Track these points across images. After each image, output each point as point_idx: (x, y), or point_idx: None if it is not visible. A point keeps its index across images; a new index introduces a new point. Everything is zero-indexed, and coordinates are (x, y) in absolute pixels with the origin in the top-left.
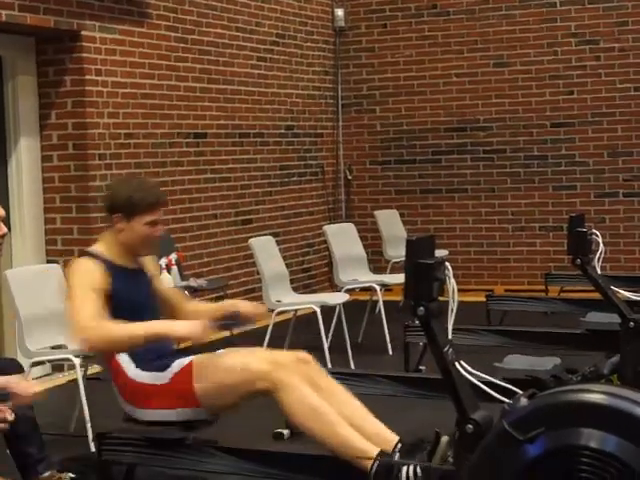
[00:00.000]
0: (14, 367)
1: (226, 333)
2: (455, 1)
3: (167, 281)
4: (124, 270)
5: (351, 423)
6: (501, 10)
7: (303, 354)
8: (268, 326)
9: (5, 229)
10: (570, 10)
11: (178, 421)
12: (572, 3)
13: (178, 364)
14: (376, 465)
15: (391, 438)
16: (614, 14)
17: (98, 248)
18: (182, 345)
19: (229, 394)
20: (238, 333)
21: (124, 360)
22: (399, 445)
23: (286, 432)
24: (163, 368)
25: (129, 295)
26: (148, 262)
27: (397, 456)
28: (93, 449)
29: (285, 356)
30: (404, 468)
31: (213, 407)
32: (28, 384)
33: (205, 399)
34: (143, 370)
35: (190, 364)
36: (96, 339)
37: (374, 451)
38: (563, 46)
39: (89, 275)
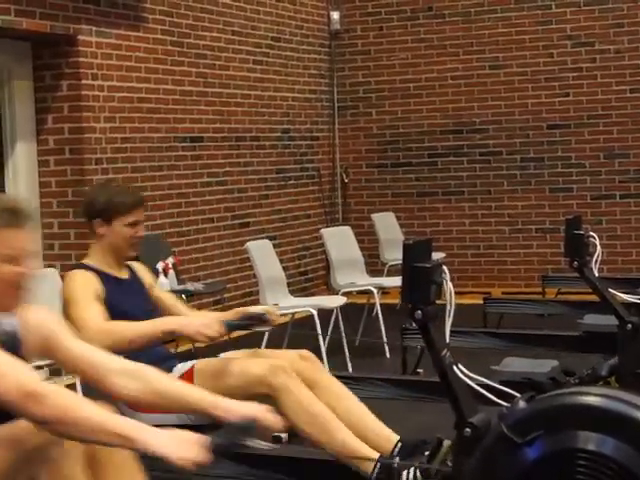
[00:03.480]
0: None
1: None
2: (450, 3)
3: (164, 285)
4: (116, 280)
5: (350, 421)
6: (496, 12)
7: (305, 352)
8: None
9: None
10: (565, 12)
11: (178, 425)
12: (567, 5)
13: (179, 369)
14: (377, 469)
15: (391, 437)
16: (609, 16)
17: (89, 261)
18: (179, 349)
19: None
20: (236, 335)
21: None
22: (399, 445)
23: (284, 435)
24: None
25: (122, 305)
26: (142, 272)
27: (397, 459)
28: None
29: (286, 356)
30: (404, 472)
31: None
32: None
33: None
34: None
35: (191, 369)
36: (112, 342)
37: (374, 455)
38: (559, 48)
39: (88, 285)
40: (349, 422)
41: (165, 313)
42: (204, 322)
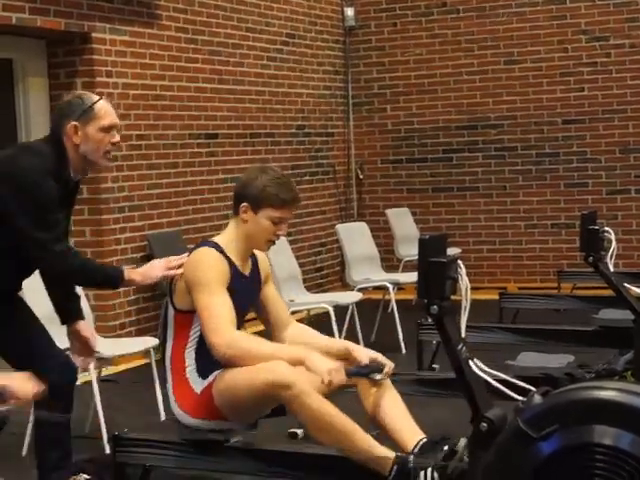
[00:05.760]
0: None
1: None
2: None
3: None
4: (240, 276)
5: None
6: (511, 7)
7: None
8: None
9: (118, 138)
10: (580, 7)
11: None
12: (582, 0)
13: (213, 375)
14: (394, 470)
15: (415, 433)
16: (624, 10)
17: (222, 241)
18: None
19: (247, 407)
20: None
21: (190, 368)
22: (421, 442)
23: (300, 431)
24: (206, 375)
25: (235, 305)
26: (263, 265)
27: (412, 458)
28: (108, 451)
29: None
30: (421, 473)
31: (240, 418)
32: (29, 385)
33: (228, 413)
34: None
35: (214, 378)
36: (235, 353)
37: (391, 454)
38: (573, 43)
39: (220, 270)
40: (383, 417)
41: (264, 313)
42: (333, 366)
